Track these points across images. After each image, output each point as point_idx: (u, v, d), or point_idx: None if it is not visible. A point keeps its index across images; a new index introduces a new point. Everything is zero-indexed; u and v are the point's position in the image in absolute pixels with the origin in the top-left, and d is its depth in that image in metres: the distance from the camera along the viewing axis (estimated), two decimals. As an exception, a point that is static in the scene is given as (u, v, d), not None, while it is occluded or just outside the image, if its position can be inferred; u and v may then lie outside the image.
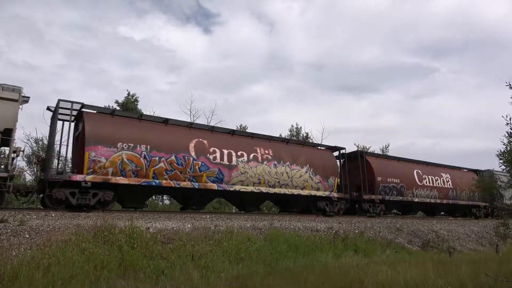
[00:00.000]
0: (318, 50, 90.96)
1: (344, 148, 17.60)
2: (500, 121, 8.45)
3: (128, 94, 26.32)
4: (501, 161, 9.53)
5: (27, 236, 7.41)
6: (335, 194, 15.68)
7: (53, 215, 8.98)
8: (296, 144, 16.44)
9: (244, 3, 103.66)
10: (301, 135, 31.95)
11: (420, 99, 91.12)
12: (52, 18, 76.79)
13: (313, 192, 15.05)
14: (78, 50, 66.72)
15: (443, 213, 23.69)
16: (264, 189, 13.66)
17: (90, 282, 5.95)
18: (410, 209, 20.75)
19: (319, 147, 17.25)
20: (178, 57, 77.36)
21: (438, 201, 20.08)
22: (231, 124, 44.24)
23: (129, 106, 24.99)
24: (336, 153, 17.68)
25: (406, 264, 7.74)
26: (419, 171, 19.47)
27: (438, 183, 20.16)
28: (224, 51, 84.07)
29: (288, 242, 10.07)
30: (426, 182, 19.50)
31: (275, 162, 14.16)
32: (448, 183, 20.75)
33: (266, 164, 13.85)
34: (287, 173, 14.39)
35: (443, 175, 20.83)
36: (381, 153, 19.77)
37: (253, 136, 14.66)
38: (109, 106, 24.65)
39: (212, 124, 23.69)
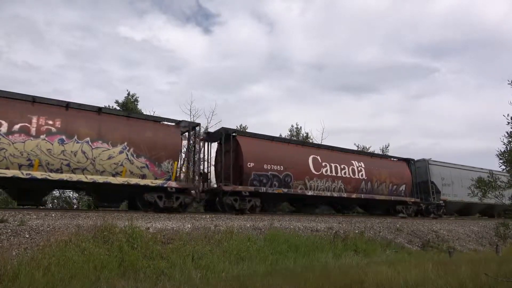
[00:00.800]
0: (318, 50, 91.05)
1: (199, 124, 13.48)
2: (500, 121, 8.44)
3: (128, 94, 26.28)
4: (501, 161, 9.50)
5: (27, 236, 7.41)
6: (172, 184, 11.87)
7: (53, 215, 8.99)
8: (114, 115, 11.87)
9: (244, 3, 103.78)
10: (301, 135, 31.97)
11: (420, 99, 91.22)
12: (52, 18, 76.87)
13: (134, 181, 11.19)
14: (78, 50, 66.83)
15: (359, 209, 20.06)
16: (39, 175, 9.94)
17: (90, 282, 5.95)
18: (306, 205, 16.59)
19: (159, 122, 12.62)
20: (178, 57, 77.48)
21: (345, 195, 16.09)
22: (231, 125, 44.22)
23: (129, 106, 24.96)
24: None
25: (406, 264, 7.75)
26: (318, 157, 15.61)
27: (345, 173, 16.24)
28: (224, 51, 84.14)
29: (288, 242, 10.07)
30: (327, 171, 15.59)
31: (63, 137, 10.32)
32: (360, 174, 16.75)
33: (44, 139, 10.04)
34: (84, 152, 10.58)
35: (355, 163, 16.88)
36: (263, 133, 14.90)
37: (34, 100, 10.39)
38: (109, 106, 24.64)
39: (212, 124, 23.72)
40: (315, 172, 15.30)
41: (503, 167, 9.76)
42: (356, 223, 14.17)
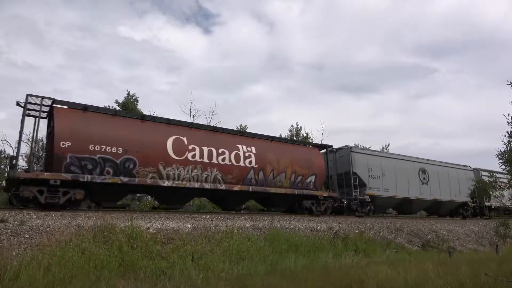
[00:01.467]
0: (318, 50, 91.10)
1: None
2: (500, 121, 8.46)
3: (128, 94, 26.32)
4: (501, 161, 9.52)
5: (27, 236, 7.41)
6: None
7: (53, 215, 8.98)
8: None
9: (244, 3, 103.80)
10: (301, 135, 31.99)
11: (420, 99, 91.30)
12: (52, 18, 76.88)
13: None
14: (78, 50, 66.84)
15: (259, 205, 16.59)
16: None
17: (91, 282, 5.95)
18: (166, 198, 12.98)
19: None
20: (178, 57, 77.49)
21: (223, 186, 12.86)
22: (231, 124, 44.22)
23: (129, 106, 24.97)
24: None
25: (406, 264, 7.75)
26: (183, 138, 12.32)
27: (224, 159, 12.97)
28: (224, 51, 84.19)
29: (288, 242, 10.07)
30: (194, 156, 12.31)
31: None
32: (248, 161, 13.50)
33: None
34: None
35: (241, 148, 13.59)
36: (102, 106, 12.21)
37: None
38: (109, 106, 24.65)
39: (212, 124, 23.66)
40: (176, 157, 12.01)
41: (503, 167, 9.79)
42: (356, 223, 14.18)
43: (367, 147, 28.93)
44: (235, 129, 16.57)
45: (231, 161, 13.21)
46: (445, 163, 21.88)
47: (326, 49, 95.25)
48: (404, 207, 20.01)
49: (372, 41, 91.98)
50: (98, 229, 7.97)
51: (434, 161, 21.44)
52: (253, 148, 13.99)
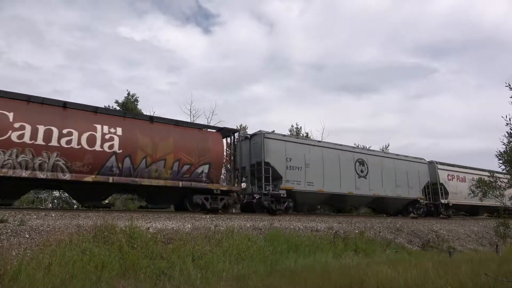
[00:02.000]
0: (318, 50, 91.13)
1: None
2: (500, 121, 8.46)
3: (128, 94, 26.35)
4: (501, 161, 9.51)
5: (27, 236, 7.40)
6: None
7: (53, 215, 8.98)
8: None
9: (243, 4, 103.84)
10: (301, 135, 32.01)
11: (420, 99, 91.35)
12: (52, 18, 76.91)
13: None
14: (78, 50, 66.87)
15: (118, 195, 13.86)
16: None
17: (91, 282, 5.95)
18: None
19: None
20: (178, 57, 77.53)
21: (67, 176, 10.20)
22: (231, 124, 44.32)
23: (129, 106, 24.98)
24: None
25: (406, 264, 7.75)
26: (10, 114, 9.71)
27: (70, 142, 10.31)
28: (224, 51, 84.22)
29: (288, 242, 10.08)
30: (22, 136, 9.69)
31: None
32: (108, 144, 10.86)
33: None
34: None
35: (100, 128, 10.93)
36: None
37: None
38: (109, 106, 24.65)
39: (212, 124, 23.67)
40: None
41: (503, 167, 9.78)
42: (356, 223, 14.19)
43: (363, 146, 27.69)
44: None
45: (81, 145, 10.54)
46: (393, 154, 19.46)
47: (326, 49, 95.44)
48: (337, 203, 17.44)
49: (372, 41, 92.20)
50: (98, 229, 7.97)
51: (377, 151, 19.38)
52: (118, 129, 11.26)
